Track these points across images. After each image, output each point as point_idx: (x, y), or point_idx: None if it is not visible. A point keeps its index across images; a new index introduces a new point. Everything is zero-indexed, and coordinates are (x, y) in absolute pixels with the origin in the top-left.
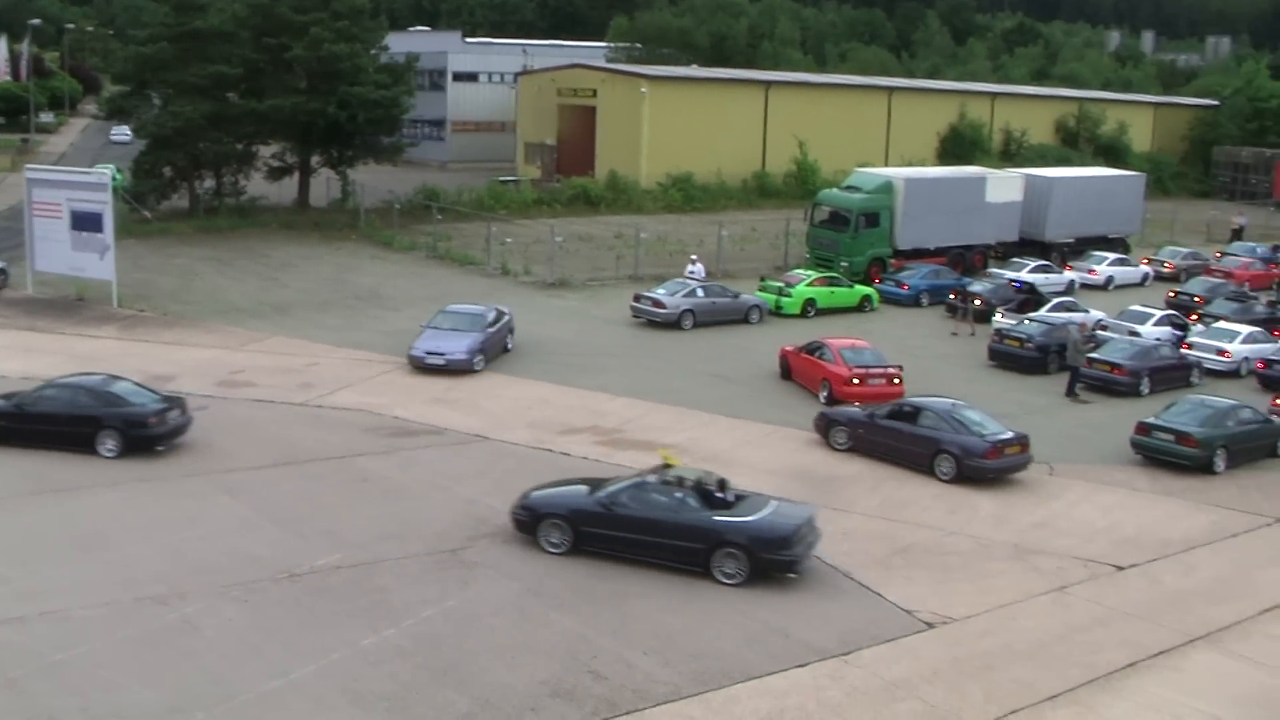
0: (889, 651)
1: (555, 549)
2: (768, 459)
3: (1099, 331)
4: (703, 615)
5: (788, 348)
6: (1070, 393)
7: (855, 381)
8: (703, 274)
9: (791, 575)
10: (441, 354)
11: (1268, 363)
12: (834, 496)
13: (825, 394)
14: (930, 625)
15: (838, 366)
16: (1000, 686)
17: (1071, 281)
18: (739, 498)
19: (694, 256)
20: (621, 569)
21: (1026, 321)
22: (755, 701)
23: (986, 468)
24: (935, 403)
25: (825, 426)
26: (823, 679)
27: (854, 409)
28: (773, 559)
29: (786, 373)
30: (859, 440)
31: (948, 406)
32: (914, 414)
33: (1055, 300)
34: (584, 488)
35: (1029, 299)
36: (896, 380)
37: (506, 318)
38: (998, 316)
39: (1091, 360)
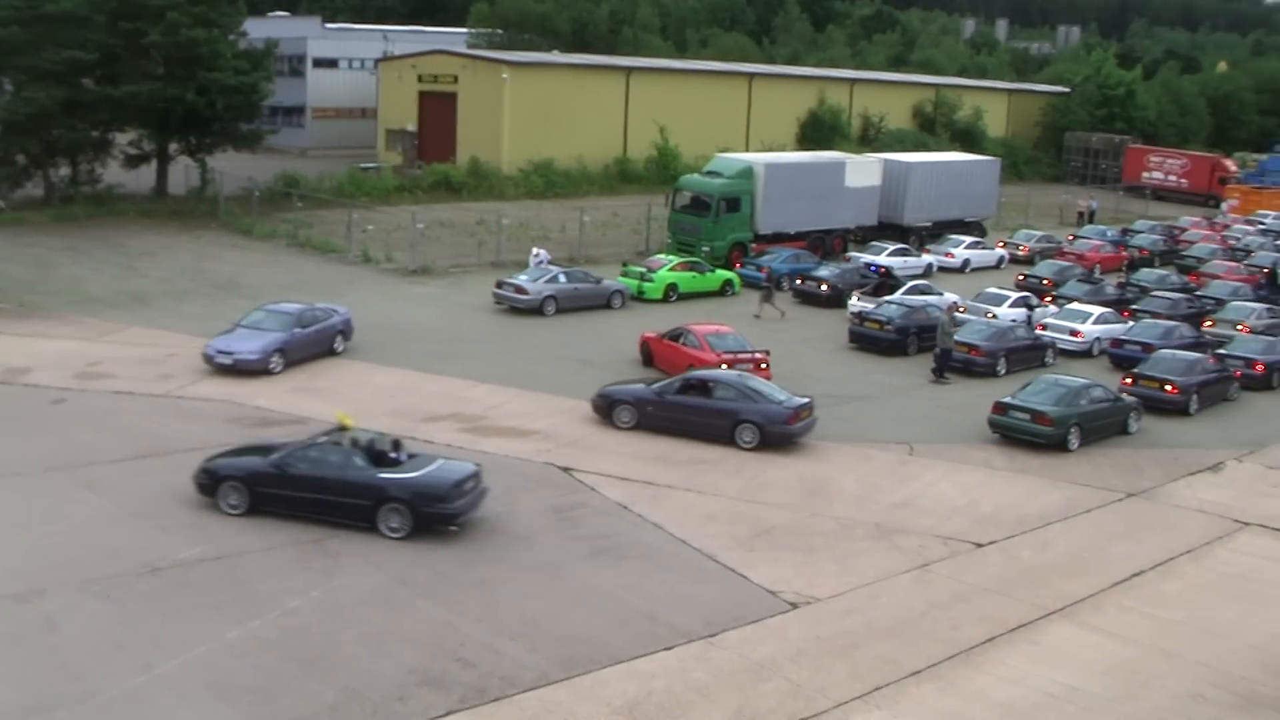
0: (754, 632)
1: (234, 510)
2: (629, 444)
3: (957, 314)
4: (569, 600)
5: (649, 334)
6: (939, 374)
7: (723, 368)
8: (547, 260)
9: (453, 528)
10: (230, 353)
11: (1119, 342)
12: (697, 479)
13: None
14: (794, 605)
15: (704, 352)
16: (864, 664)
17: (929, 264)
18: (411, 457)
19: (535, 250)
20: (487, 555)
21: (884, 304)
22: (623, 685)
23: (790, 433)
24: (726, 375)
25: (607, 407)
26: (689, 661)
27: (639, 386)
28: (433, 513)
29: (649, 359)
30: (648, 418)
31: (736, 377)
32: (707, 387)
33: (910, 284)
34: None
35: (884, 283)
36: (764, 365)
37: (335, 319)
38: (853, 300)
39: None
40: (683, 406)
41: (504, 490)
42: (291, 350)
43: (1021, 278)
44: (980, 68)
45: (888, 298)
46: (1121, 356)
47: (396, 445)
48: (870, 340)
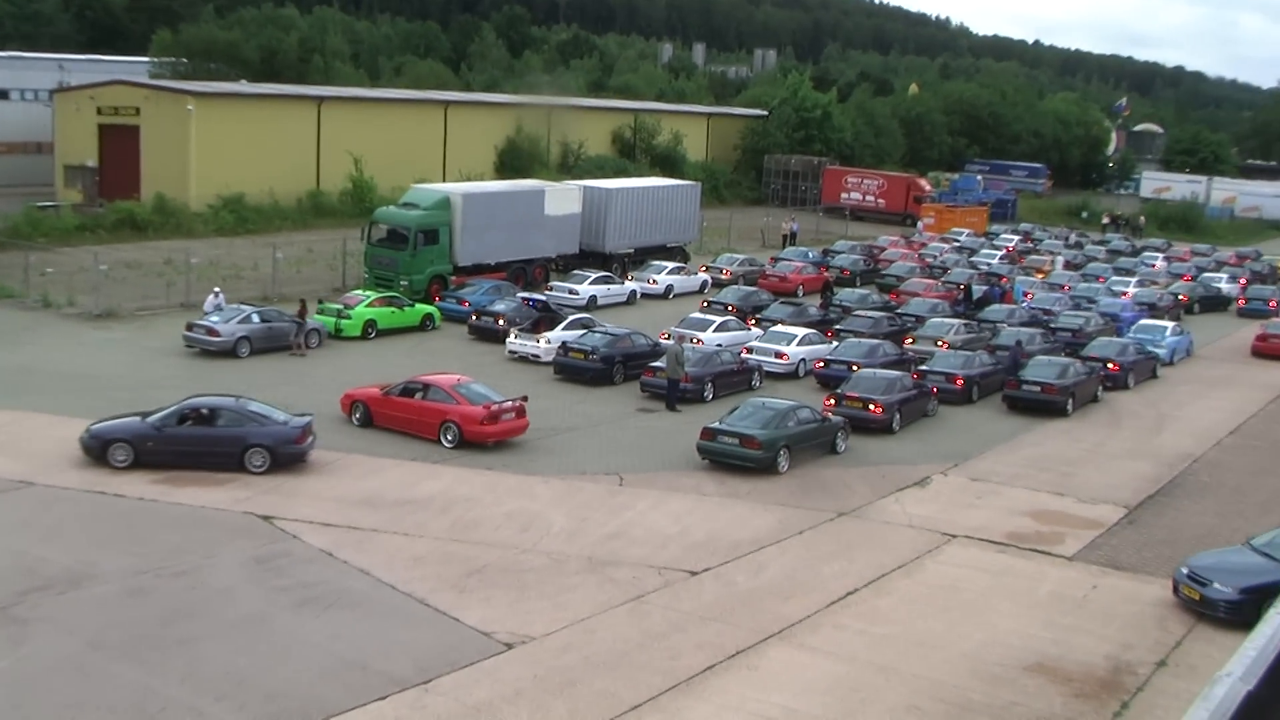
0: (469, 675)
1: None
2: (332, 488)
3: (662, 340)
4: (275, 653)
5: (363, 391)
6: (670, 405)
7: (488, 420)
8: (217, 303)
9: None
10: None
11: (825, 362)
12: (404, 521)
13: (453, 436)
14: (509, 645)
15: (463, 406)
16: (584, 700)
17: (633, 291)
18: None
19: (216, 289)
20: (188, 612)
21: (543, 340)
22: None
23: (300, 452)
24: (226, 401)
25: (100, 447)
26: (404, 710)
27: (133, 420)
28: (290, 452)
29: (367, 420)
30: (148, 454)
31: (235, 403)
32: (208, 415)
33: (571, 318)
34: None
35: (543, 317)
36: (523, 413)
37: None
38: (511, 338)
39: (653, 369)
40: (187, 438)
41: (203, 542)
42: None
43: (704, 305)
44: (679, 92)
45: (547, 334)
46: (828, 376)
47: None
48: (575, 370)
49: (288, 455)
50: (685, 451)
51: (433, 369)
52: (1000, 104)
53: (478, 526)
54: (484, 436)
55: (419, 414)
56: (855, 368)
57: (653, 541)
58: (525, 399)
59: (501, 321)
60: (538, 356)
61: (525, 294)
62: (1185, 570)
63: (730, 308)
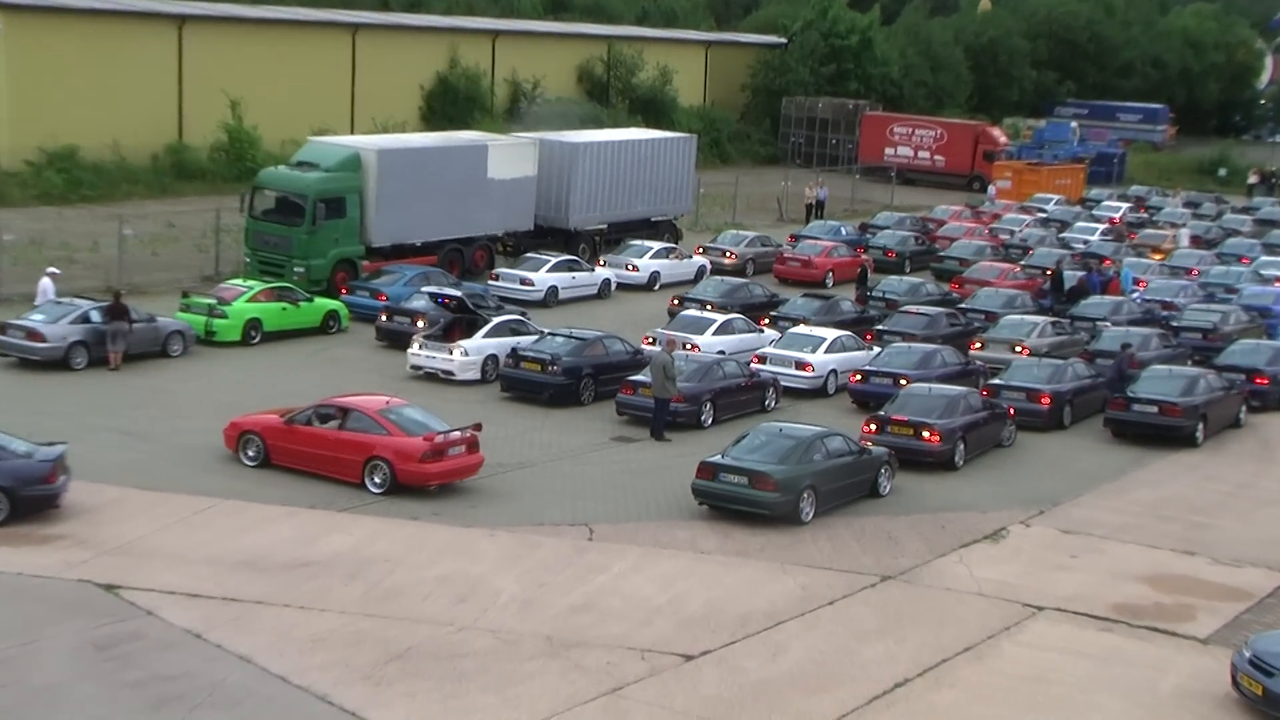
0: None
1: None
2: (202, 543)
3: (646, 347)
4: None
5: (254, 420)
6: (657, 432)
7: (430, 456)
8: (53, 293)
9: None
10: None
11: (863, 375)
12: (300, 588)
13: (382, 478)
14: None
15: (397, 438)
16: None
17: (606, 281)
18: None
19: (51, 269)
20: None
21: (458, 351)
22: None
23: (51, 493)
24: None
25: None
26: None
27: None
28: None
29: (264, 458)
30: None
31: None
32: None
33: (497, 321)
34: None
35: (460, 319)
36: (476, 446)
37: None
38: (414, 347)
39: (633, 384)
40: None
41: (19, 623)
42: None
43: (676, 302)
44: (667, 12)
45: (462, 343)
46: (867, 394)
47: None
48: (529, 387)
49: (31, 499)
50: (677, 494)
51: (338, 387)
52: (1105, 23)
53: (400, 596)
54: (425, 478)
55: (336, 448)
56: (904, 382)
57: (634, 615)
58: (479, 427)
59: (421, 322)
60: (450, 374)
61: (434, 288)
62: (1248, 653)
63: (708, 305)
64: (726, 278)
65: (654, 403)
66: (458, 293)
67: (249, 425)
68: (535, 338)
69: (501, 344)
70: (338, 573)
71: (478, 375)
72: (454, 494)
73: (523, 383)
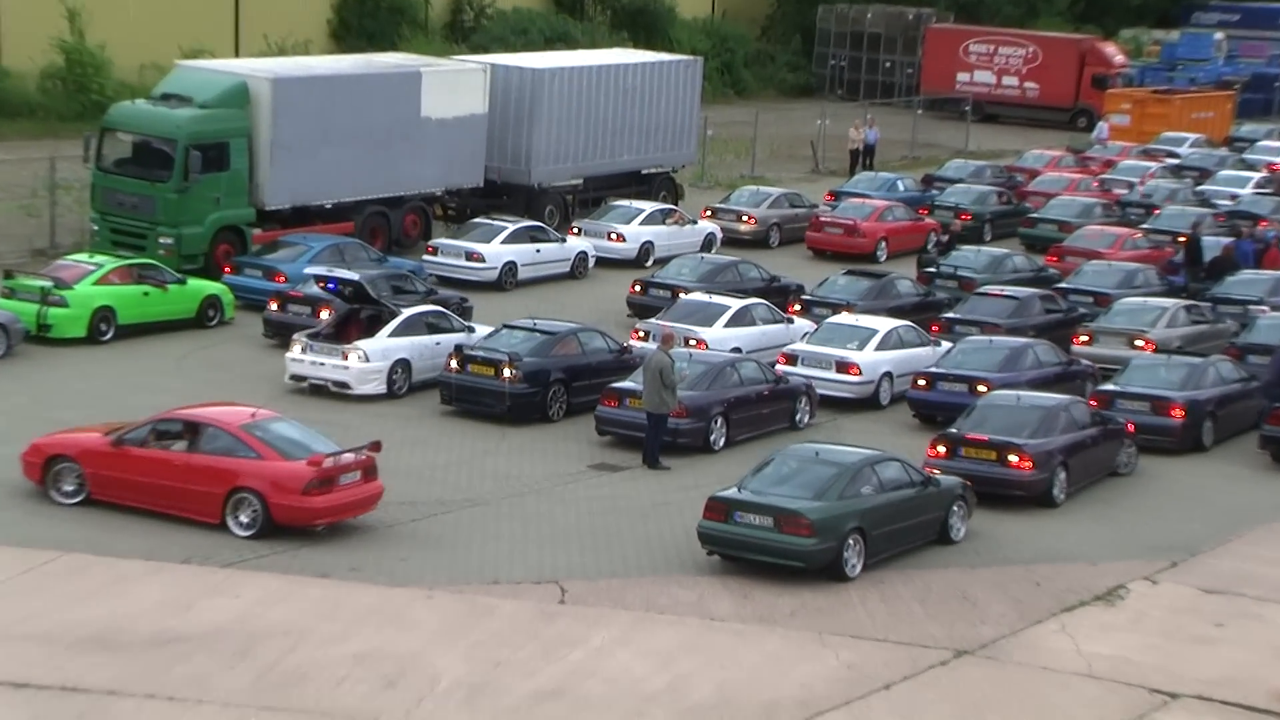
0: None
1: None
2: (33, 615)
3: (636, 344)
4: None
5: (67, 439)
6: (650, 458)
7: (319, 486)
8: None
9: None
10: None
11: (928, 379)
12: (170, 674)
13: (251, 517)
14: None
15: (272, 462)
16: None
17: (581, 254)
18: None
19: None
20: None
21: (355, 355)
22: None
23: None
24: None
25: None
26: None
27: None
28: None
29: (85, 490)
30: None
31: None
32: None
33: (409, 314)
34: None
35: (356, 310)
36: (373, 471)
37: None
38: (295, 350)
39: (617, 394)
40: None
41: None
42: None
43: (637, 289)
44: None
45: (361, 343)
46: (933, 404)
47: None
48: (480, 397)
49: None
50: (678, 541)
51: (218, 399)
52: None
53: (305, 682)
54: (310, 516)
55: (185, 478)
56: (983, 388)
57: (620, 706)
58: (376, 447)
59: (326, 313)
60: (344, 385)
61: (322, 268)
62: None
63: (672, 292)
64: (706, 255)
65: (646, 418)
66: (352, 275)
67: (61, 448)
68: (467, 333)
69: (415, 344)
70: (220, 651)
71: (382, 387)
72: (371, 539)
73: (471, 392)
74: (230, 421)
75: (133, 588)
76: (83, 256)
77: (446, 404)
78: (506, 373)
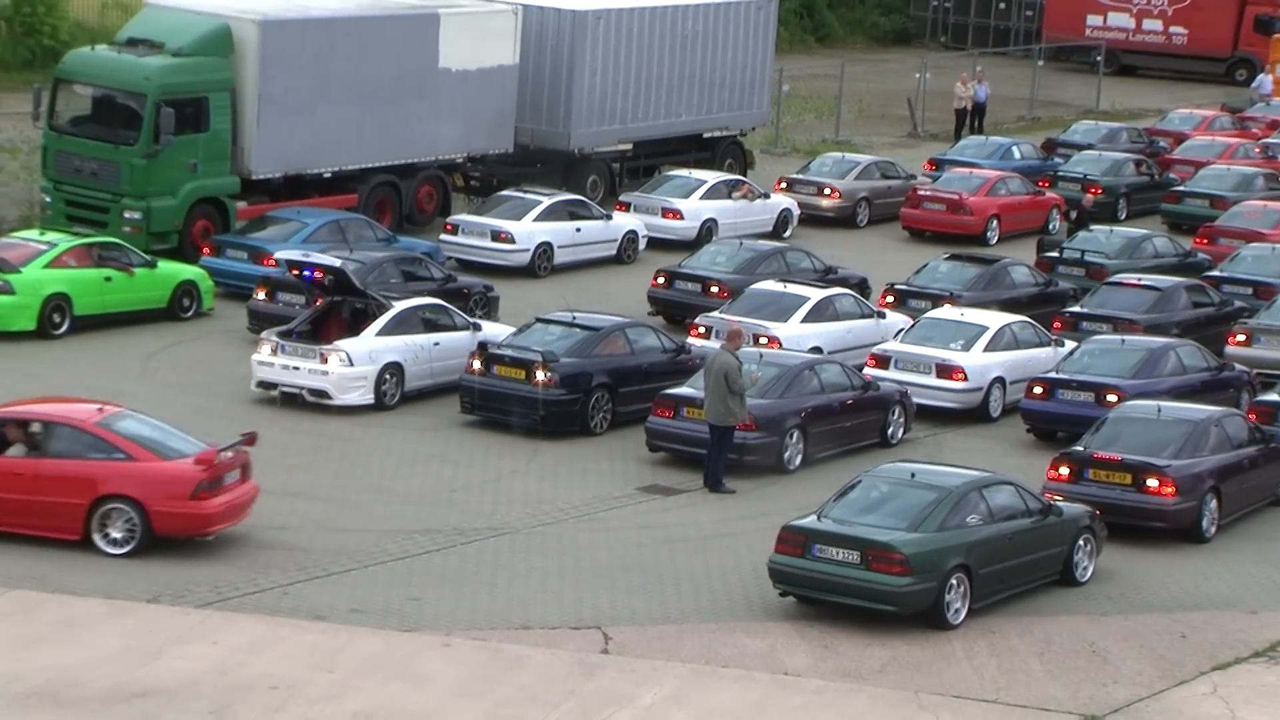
0: None
1: None
2: None
3: (696, 342)
4: None
5: None
6: (713, 480)
7: (209, 486)
8: None
9: None
10: None
11: (1047, 387)
12: None
13: (127, 530)
14: None
15: (150, 463)
16: None
17: (632, 233)
18: None
19: None
20: None
21: (336, 358)
22: None
23: None
24: None
25: None
26: None
27: None
28: None
29: None
30: None
31: None
32: None
33: (402, 308)
34: None
35: (338, 304)
36: (247, 469)
37: None
38: (264, 352)
39: (671, 402)
40: None
41: None
42: None
43: (660, 280)
44: None
45: (342, 344)
46: (1054, 416)
47: None
48: (508, 405)
49: None
50: (744, 579)
51: (198, 406)
52: None
53: None
54: (203, 524)
55: (33, 488)
56: (1113, 398)
57: None
58: (252, 440)
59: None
60: (323, 394)
61: (295, 253)
62: None
63: (703, 285)
64: (747, 241)
65: (709, 431)
66: (332, 260)
67: None
68: (473, 331)
69: (409, 345)
70: (194, 709)
71: (369, 396)
72: (382, 576)
73: (497, 399)
74: (80, 417)
75: (89, 632)
76: (32, 234)
77: (468, 413)
78: (540, 375)
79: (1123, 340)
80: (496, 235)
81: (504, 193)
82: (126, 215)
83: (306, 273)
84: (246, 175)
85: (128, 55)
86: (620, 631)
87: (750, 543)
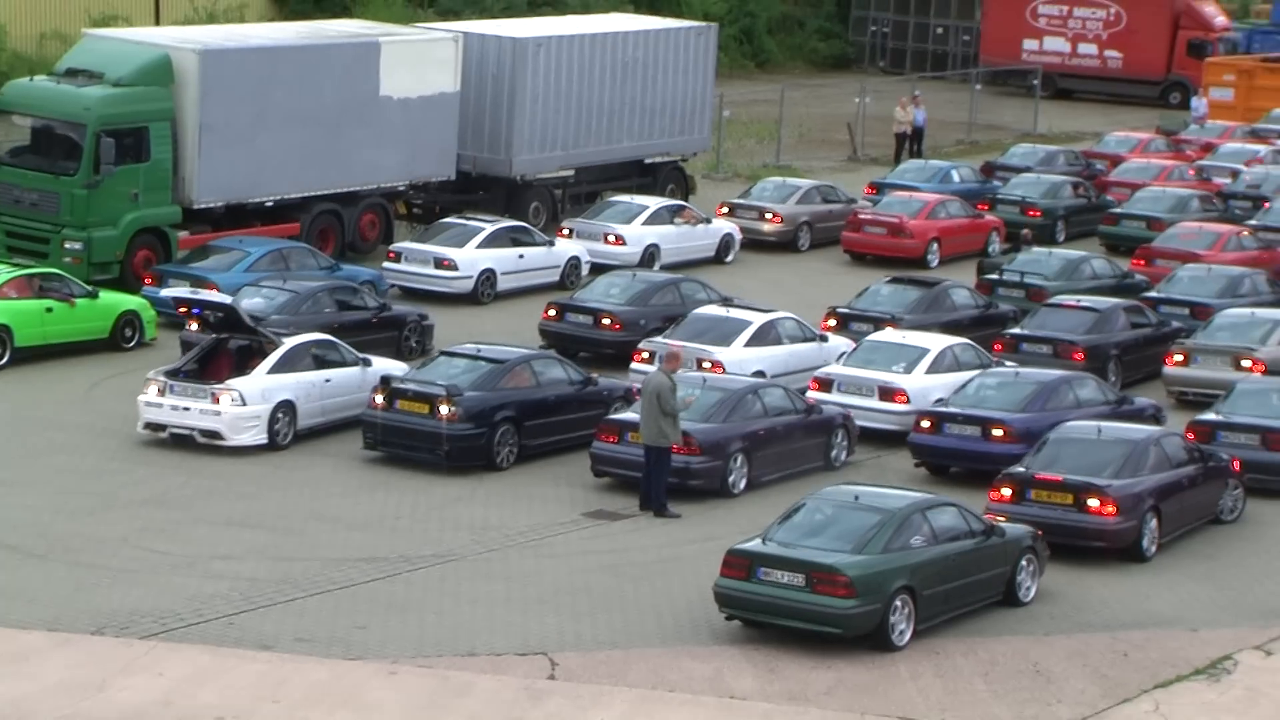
0: None
1: None
2: None
3: (637, 367)
4: None
5: None
6: (656, 503)
7: None
8: None
9: None
10: None
11: (935, 420)
12: None
13: None
14: None
15: None
16: None
17: (574, 260)
18: None
19: None
20: None
21: (227, 398)
22: None
23: None
24: None
25: None
26: None
27: None
28: None
29: None
30: None
31: None
32: None
33: (291, 345)
34: None
35: (222, 341)
36: None
37: None
38: (150, 392)
39: (616, 426)
40: None
41: None
42: None
43: (551, 313)
44: None
45: (234, 383)
46: (941, 451)
47: None
48: (413, 440)
49: None
50: (690, 603)
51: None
52: None
53: None
54: None
55: None
56: (999, 432)
57: None
58: None
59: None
60: (215, 435)
61: (184, 290)
62: None
63: (595, 318)
64: (640, 271)
65: (644, 454)
66: (223, 298)
67: None
68: (363, 366)
69: (301, 383)
70: None
71: (262, 436)
72: (328, 605)
73: (400, 434)
74: None
75: (32, 665)
76: None
77: (371, 448)
78: (444, 410)
79: (1016, 373)
80: (439, 262)
81: (446, 220)
82: (67, 246)
83: (196, 310)
84: (188, 205)
85: (67, 85)
86: (567, 657)
87: (696, 567)
